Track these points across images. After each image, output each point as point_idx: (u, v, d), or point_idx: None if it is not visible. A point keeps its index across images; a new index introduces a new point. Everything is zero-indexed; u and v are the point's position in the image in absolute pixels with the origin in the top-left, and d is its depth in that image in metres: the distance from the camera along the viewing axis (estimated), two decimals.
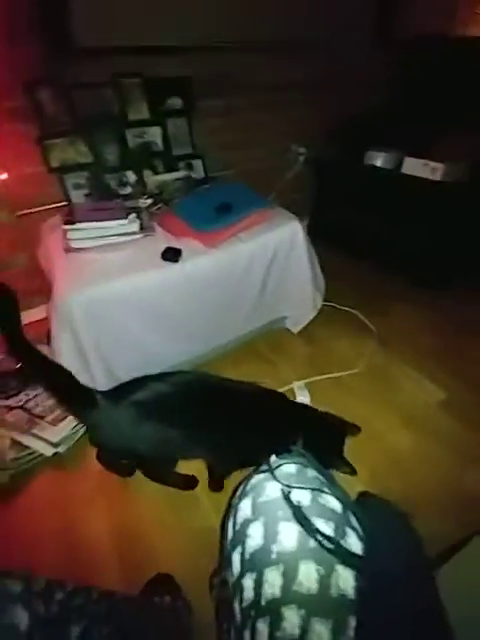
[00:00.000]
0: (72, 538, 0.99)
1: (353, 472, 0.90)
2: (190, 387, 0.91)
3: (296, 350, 1.55)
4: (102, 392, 0.86)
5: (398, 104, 2.08)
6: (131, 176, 1.60)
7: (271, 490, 0.46)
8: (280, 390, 1.35)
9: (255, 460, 0.55)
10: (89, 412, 0.84)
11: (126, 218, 1.29)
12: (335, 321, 1.68)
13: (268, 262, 1.33)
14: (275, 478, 0.46)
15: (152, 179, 1.60)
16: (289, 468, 0.49)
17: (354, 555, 0.40)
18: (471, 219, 1.68)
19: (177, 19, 1.47)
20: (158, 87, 1.55)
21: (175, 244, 1.25)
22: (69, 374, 0.84)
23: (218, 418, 0.88)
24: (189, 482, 1.07)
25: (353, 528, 0.43)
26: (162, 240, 1.28)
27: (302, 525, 0.41)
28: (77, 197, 1.52)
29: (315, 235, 2.10)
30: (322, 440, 0.86)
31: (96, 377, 1.15)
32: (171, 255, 1.19)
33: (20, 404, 1.27)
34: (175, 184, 1.56)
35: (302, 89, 1.97)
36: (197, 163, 1.74)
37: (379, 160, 1.92)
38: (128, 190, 1.58)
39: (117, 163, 1.55)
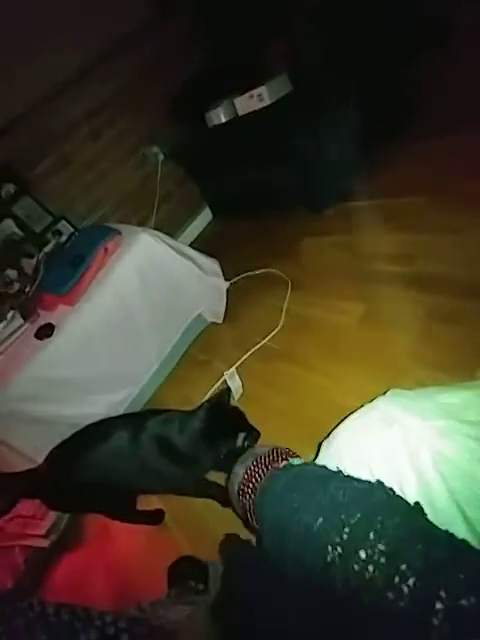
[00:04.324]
0: None
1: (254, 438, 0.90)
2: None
3: (223, 338, 1.54)
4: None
5: (208, 58, 1.97)
6: (12, 273, 1.68)
7: None
8: (215, 386, 1.37)
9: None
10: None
11: (6, 318, 1.38)
12: (254, 288, 1.64)
13: (138, 284, 1.33)
14: None
15: (29, 265, 1.67)
16: None
17: None
18: (315, 124, 1.53)
19: None
20: None
21: (49, 318, 1.30)
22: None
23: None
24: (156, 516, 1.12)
25: None
26: (44, 320, 1.34)
27: None
28: None
29: (218, 214, 2.07)
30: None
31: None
32: (44, 332, 1.24)
33: (17, 513, 1.40)
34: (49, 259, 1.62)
35: (121, 98, 1.94)
36: (63, 225, 1.79)
37: (219, 117, 1.84)
38: (16, 287, 1.66)
39: None
